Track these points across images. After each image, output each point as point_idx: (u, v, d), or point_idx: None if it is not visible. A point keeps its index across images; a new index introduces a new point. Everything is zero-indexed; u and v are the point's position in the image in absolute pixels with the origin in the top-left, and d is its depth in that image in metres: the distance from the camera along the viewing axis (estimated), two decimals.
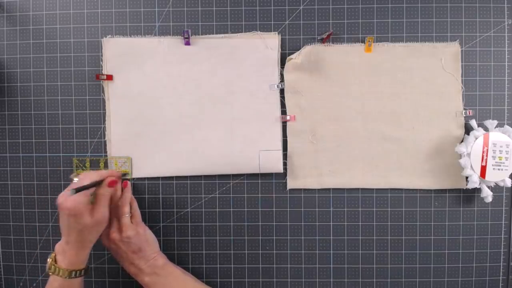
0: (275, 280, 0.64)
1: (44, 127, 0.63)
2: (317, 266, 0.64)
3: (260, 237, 0.64)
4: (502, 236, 0.63)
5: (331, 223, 0.63)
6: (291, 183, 0.63)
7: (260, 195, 0.63)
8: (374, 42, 0.62)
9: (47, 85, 0.63)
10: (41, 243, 0.64)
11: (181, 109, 0.62)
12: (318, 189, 0.63)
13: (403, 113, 0.62)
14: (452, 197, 0.63)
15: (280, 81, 0.62)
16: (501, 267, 0.63)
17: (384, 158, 0.62)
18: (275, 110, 0.62)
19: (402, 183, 0.63)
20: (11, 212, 0.64)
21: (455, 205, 0.63)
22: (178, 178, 0.63)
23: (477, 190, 0.62)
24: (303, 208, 0.63)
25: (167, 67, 0.62)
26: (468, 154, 0.59)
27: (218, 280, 0.64)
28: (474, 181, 0.59)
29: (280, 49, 0.62)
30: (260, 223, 0.64)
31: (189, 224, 0.64)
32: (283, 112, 0.63)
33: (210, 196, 0.63)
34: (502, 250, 0.63)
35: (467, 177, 0.61)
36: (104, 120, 0.63)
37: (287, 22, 0.62)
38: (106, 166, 0.62)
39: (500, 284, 0.63)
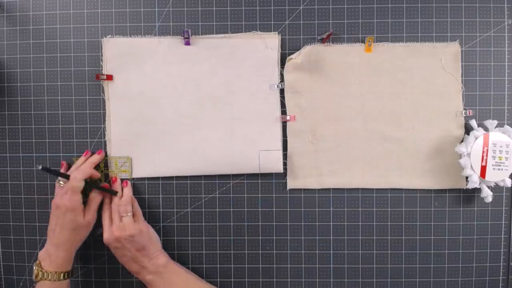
0: (275, 280, 0.64)
1: (44, 127, 0.63)
2: (317, 266, 0.64)
3: (260, 237, 0.64)
4: (502, 236, 0.63)
5: (331, 223, 0.63)
6: (291, 183, 0.63)
7: (260, 195, 0.63)
8: (374, 42, 0.62)
9: (47, 85, 0.63)
10: (41, 243, 0.64)
11: (181, 109, 0.62)
12: (318, 189, 0.63)
13: (403, 113, 0.62)
14: (452, 197, 0.63)
15: (280, 81, 0.62)
16: (501, 267, 0.63)
17: (384, 158, 0.62)
18: (275, 110, 0.62)
19: (402, 183, 0.63)
20: (11, 212, 0.64)
21: (455, 205, 0.63)
22: (178, 178, 0.63)
23: (477, 190, 0.62)
24: (303, 208, 0.63)
25: (167, 67, 0.62)
26: (468, 154, 0.59)
27: (218, 280, 0.64)
28: (474, 181, 0.59)
29: (280, 49, 0.62)
30: (260, 223, 0.64)
31: (189, 224, 0.64)
32: (283, 112, 0.63)
33: (210, 196, 0.63)
34: (502, 250, 0.63)
35: (467, 177, 0.61)
36: (104, 120, 0.63)
37: (287, 22, 0.62)
38: (106, 166, 0.62)
39: (500, 284, 0.63)
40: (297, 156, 0.62)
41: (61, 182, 0.58)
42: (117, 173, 0.62)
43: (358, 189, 0.63)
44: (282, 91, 0.62)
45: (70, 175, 0.57)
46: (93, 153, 0.62)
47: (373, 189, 0.63)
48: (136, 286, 0.64)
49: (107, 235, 0.57)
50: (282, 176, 0.63)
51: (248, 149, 0.62)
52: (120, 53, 0.62)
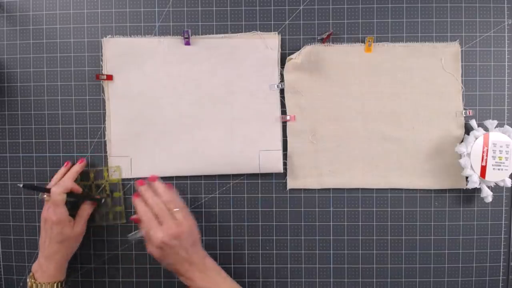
0: (275, 280, 0.64)
1: (44, 127, 0.63)
2: (317, 266, 0.64)
3: (260, 237, 0.64)
4: (502, 236, 0.63)
5: (331, 223, 0.63)
6: (291, 183, 0.63)
7: (260, 195, 0.63)
8: (374, 42, 0.62)
9: (47, 85, 0.63)
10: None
11: (181, 109, 0.62)
12: (318, 189, 0.63)
13: (403, 113, 0.62)
14: (452, 197, 0.63)
15: (280, 81, 0.62)
16: (501, 267, 0.63)
17: (384, 158, 0.62)
18: (275, 110, 0.62)
19: (402, 183, 0.63)
20: (11, 212, 0.64)
21: (455, 205, 0.63)
22: (178, 178, 0.63)
23: (477, 190, 0.62)
24: (303, 208, 0.63)
25: (167, 67, 0.62)
26: (468, 154, 0.59)
27: None
28: (474, 181, 0.59)
29: (280, 49, 0.62)
30: (260, 223, 0.64)
31: None
32: (283, 112, 0.63)
33: (210, 196, 0.63)
34: (502, 250, 0.63)
35: (467, 177, 0.61)
36: (104, 120, 0.63)
37: (287, 22, 0.62)
38: (96, 178, 0.63)
39: (500, 284, 0.63)
40: (297, 156, 0.62)
41: (45, 196, 0.58)
42: (108, 182, 0.63)
43: (358, 189, 0.63)
44: (282, 91, 0.62)
45: (51, 190, 0.57)
46: (73, 164, 0.62)
47: (373, 189, 0.63)
48: (136, 286, 0.64)
49: (162, 235, 0.52)
50: (282, 176, 0.63)
51: (248, 149, 0.62)
52: (120, 53, 0.62)
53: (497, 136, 0.59)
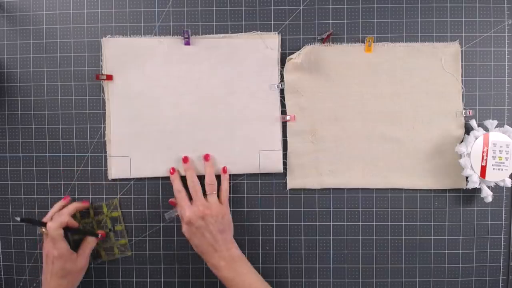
0: (275, 280, 0.64)
1: (44, 127, 0.63)
2: (317, 266, 0.64)
3: (260, 237, 0.64)
4: (502, 236, 0.63)
5: (331, 223, 0.63)
6: (291, 183, 0.63)
7: (260, 195, 0.63)
8: (374, 42, 0.62)
9: (47, 85, 0.63)
10: (41, 242, 0.64)
11: (181, 109, 0.62)
12: (318, 189, 0.63)
13: (403, 113, 0.62)
14: (452, 197, 0.63)
15: (280, 81, 0.62)
16: (501, 267, 0.63)
17: (384, 158, 0.62)
18: (275, 110, 0.62)
19: (402, 183, 0.63)
20: (11, 212, 0.64)
21: (455, 205, 0.63)
22: None
23: (477, 190, 0.62)
24: (303, 208, 0.63)
25: (167, 67, 0.62)
26: (468, 154, 0.59)
27: (218, 280, 0.64)
28: (474, 181, 0.59)
29: (280, 49, 0.62)
30: (260, 223, 0.64)
31: None
32: (283, 112, 0.63)
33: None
34: (502, 250, 0.63)
35: (467, 177, 0.61)
36: (104, 120, 0.63)
37: (287, 22, 0.62)
38: (96, 214, 0.63)
39: (500, 284, 0.63)
40: (297, 156, 0.62)
41: (43, 230, 0.57)
42: (108, 217, 0.63)
43: (358, 189, 0.63)
44: (282, 91, 0.62)
45: (47, 224, 0.56)
46: (73, 200, 0.62)
47: (373, 189, 0.63)
48: (136, 286, 0.64)
49: (189, 213, 0.55)
50: (282, 176, 0.63)
51: (248, 149, 0.62)
52: (120, 53, 0.62)
53: (497, 136, 0.59)
